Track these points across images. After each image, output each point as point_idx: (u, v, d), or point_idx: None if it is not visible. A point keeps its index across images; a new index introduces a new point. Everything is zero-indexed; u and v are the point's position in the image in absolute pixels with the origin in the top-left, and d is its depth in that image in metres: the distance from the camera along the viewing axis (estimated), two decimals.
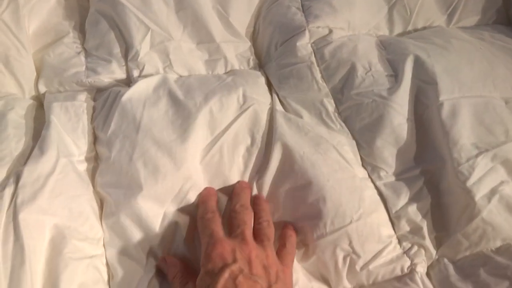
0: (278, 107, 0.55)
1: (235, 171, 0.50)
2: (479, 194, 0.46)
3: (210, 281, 0.37)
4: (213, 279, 0.36)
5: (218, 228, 0.42)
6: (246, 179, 0.50)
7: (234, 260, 0.38)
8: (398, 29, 0.65)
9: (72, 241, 0.43)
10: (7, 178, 0.44)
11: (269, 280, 0.38)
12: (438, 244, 0.47)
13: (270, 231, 0.44)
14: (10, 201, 0.42)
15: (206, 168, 0.49)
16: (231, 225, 0.44)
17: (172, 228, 0.46)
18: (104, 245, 0.46)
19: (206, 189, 0.48)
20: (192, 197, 0.47)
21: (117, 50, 0.58)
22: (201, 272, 0.39)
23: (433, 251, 0.47)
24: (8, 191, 0.42)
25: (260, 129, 0.52)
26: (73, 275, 0.41)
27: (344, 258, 0.45)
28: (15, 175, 0.44)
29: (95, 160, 0.51)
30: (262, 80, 0.60)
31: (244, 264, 0.38)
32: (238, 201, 0.46)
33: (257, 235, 0.43)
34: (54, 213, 0.44)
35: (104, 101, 0.54)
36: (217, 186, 0.49)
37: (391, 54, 0.57)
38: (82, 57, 0.58)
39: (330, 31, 0.60)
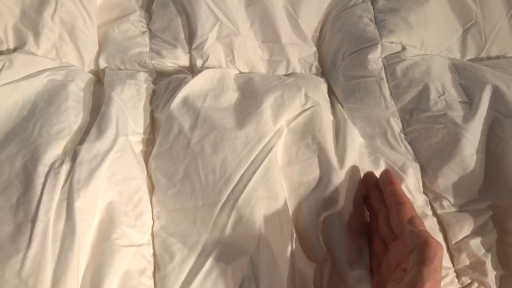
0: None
1: (293, 165, 0.47)
2: None
3: None
4: None
5: None
6: (306, 176, 0.46)
7: None
8: (471, 54, 0.62)
9: (121, 226, 0.41)
10: (64, 154, 0.42)
11: None
12: (500, 284, 0.44)
13: None
14: (66, 178, 0.40)
15: None
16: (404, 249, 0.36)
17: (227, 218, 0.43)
18: (152, 234, 0.43)
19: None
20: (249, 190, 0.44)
21: (182, 36, 0.56)
22: None
23: None
24: (65, 168, 0.40)
25: (322, 128, 0.49)
26: (119, 263, 0.39)
27: None
28: (73, 151, 0.42)
29: (151, 144, 0.49)
30: (324, 86, 0.58)
31: None
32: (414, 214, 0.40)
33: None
34: (107, 194, 0.41)
35: (167, 86, 0.52)
36: None
37: (465, 79, 0.55)
38: (146, 37, 0.56)
39: (403, 48, 0.57)
